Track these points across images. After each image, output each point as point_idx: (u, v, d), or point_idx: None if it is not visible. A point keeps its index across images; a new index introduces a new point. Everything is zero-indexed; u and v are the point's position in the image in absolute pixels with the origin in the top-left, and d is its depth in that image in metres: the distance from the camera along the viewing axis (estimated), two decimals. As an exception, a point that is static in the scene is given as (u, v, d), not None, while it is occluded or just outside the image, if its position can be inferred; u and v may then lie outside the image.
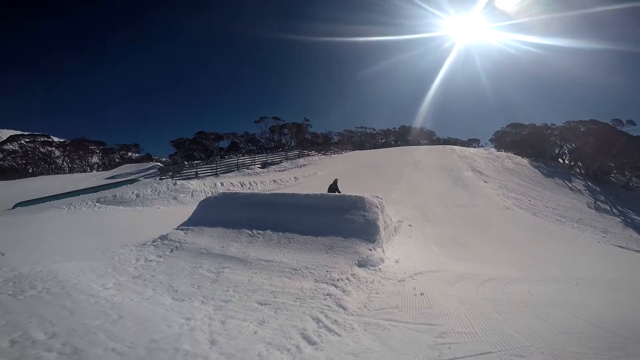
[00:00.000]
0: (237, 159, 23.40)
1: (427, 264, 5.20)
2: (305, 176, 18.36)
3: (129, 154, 40.21)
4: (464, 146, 35.09)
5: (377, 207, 5.76)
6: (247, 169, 21.45)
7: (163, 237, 6.14)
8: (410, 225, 8.08)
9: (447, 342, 2.76)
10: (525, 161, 23.10)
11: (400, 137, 47.32)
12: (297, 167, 22.24)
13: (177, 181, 15.38)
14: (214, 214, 6.66)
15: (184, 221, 6.79)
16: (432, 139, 47.80)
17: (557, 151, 29.77)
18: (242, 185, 15.91)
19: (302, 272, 4.53)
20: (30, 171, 33.46)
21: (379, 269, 4.69)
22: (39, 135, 36.87)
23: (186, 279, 4.42)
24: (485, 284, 4.28)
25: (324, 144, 35.31)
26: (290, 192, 9.04)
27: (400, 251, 5.83)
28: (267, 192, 7.18)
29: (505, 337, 2.78)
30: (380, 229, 5.41)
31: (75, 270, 4.52)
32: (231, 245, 5.54)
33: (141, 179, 18.59)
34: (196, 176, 19.05)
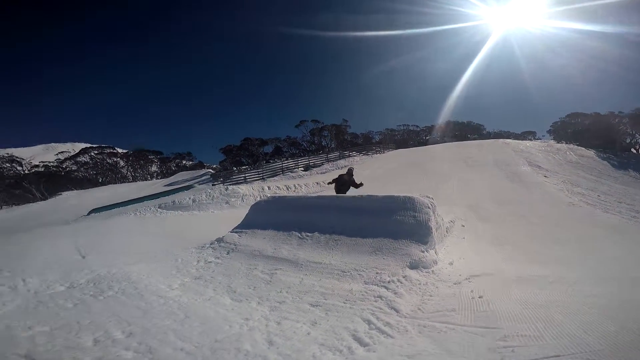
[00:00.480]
0: (282, 163, 24.11)
1: (484, 266, 4.90)
2: (348, 177, 18.28)
3: (184, 162, 43.35)
4: (518, 139, 32.54)
5: (429, 208, 5.55)
6: (291, 172, 22.00)
7: (219, 240, 6.49)
8: (463, 226, 7.67)
9: (510, 345, 2.59)
10: (591, 153, 20.82)
11: (446, 133, 45.24)
12: (339, 168, 22.24)
13: (228, 186, 16.27)
14: (265, 217, 6.90)
15: (238, 224, 7.10)
16: (482, 133, 45.08)
17: (628, 140, 26.60)
18: (287, 189, 16.37)
19: (351, 274, 4.52)
20: (100, 181, 37.48)
21: (432, 271, 4.52)
22: (105, 147, 41.36)
23: (243, 280, 4.63)
24: (551, 285, 3.93)
25: (365, 144, 34.94)
26: (333, 192, 9.06)
27: (454, 253, 5.56)
28: (314, 195, 7.29)
29: (575, 340, 2.54)
30: (433, 229, 5.21)
31: (145, 272, 4.95)
32: (282, 248, 5.69)
33: (196, 185, 19.96)
34: (245, 181, 19.94)
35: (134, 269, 5.10)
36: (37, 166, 37.03)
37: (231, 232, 6.80)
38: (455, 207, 9.43)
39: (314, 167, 23.12)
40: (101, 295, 4.06)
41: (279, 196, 8.66)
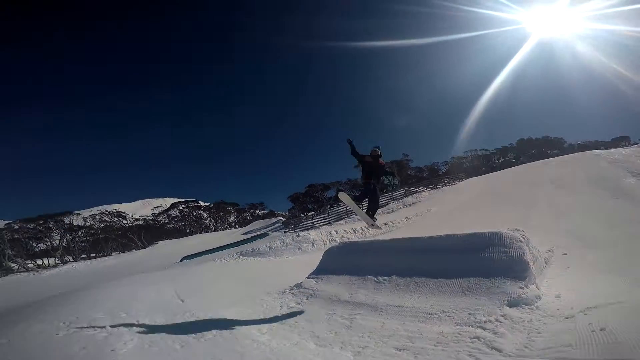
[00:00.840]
0: (346, 207, 24.27)
1: (601, 296, 4.17)
2: (418, 214, 17.62)
3: (257, 211, 46.60)
4: (609, 148, 28.11)
5: (521, 241, 5.06)
6: (356, 215, 21.98)
7: (298, 285, 6.73)
8: (565, 254, 6.69)
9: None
10: None
11: (522, 152, 41.40)
12: (406, 206, 21.63)
13: (299, 233, 16.99)
14: (338, 262, 7.04)
15: (313, 270, 7.32)
16: (563, 147, 40.22)
17: None
18: (354, 232, 16.35)
19: (439, 315, 4.26)
20: (187, 231, 41.97)
21: (536, 306, 4.03)
22: (191, 201, 46.85)
23: (324, 325, 4.67)
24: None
25: (431, 177, 33.59)
26: (404, 232, 8.77)
27: (560, 285, 4.86)
28: (387, 239, 7.19)
29: None
30: (530, 263, 4.70)
31: (236, 316, 5.29)
32: (359, 292, 5.67)
33: (270, 232, 21.27)
34: (313, 226, 20.63)
35: (227, 312, 5.50)
36: (137, 219, 43.61)
37: (308, 277, 7.02)
38: (551, 234, 8.32)
39: (379, 208, 22.86)
40: (202, 337, 4.39)
41: (350, 241, 8.73)
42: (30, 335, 4.56)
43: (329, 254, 7.71)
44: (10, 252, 27.88)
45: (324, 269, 7.14)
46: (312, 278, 6.92)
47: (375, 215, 6.06)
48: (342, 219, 21.90)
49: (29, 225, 33.73)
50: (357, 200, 5.94)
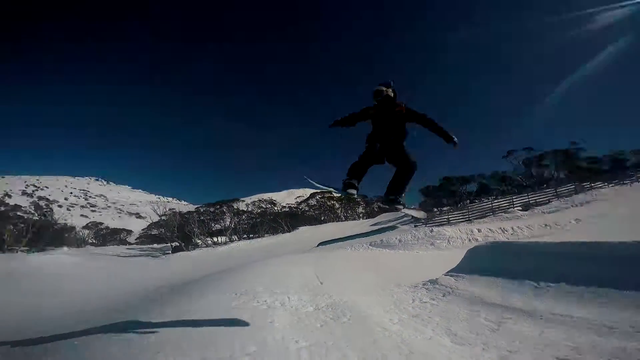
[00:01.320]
0: (491, 203, 21.43)
1: None
2: (594, 216, 13.95)
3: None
4: None
5: None
6: (505, 212, 19.14)
7: (433, 282, 6.36)
8: None
9: None
10: None
11: None
12: (576, 205, 17.40)
13: (433, 228, 16.05)
14: (486, 262, 6.31)
15: (453, 267, 6.81)
16: None
17: None
18: (503, 231, 14.35)
19: (624, 330, 3.36)
20: (322, 219, 46.01)
21: None
22: (326, 191, 51.20)
23: (463, 325, 4.25)
24: None
25: (615, 169, 25.78)
26: (572, 236, 7.03)
27: None
28: (555, 242, 6.02)
29: None
30: None
31: (368, 304, 5.40)
32: (512, 297, 4.95)
33: (398, 225, 20.95)
34: (448, 222, 19.13)
35: (360, 299, 5.69)
36: (284, 207, 50.65)
37: (445, 274, 6.56)
38: None
39: (536, 206, 19.11)
40: (338, 319, 4.66)
41: (503, 241, 7.66)
42: (209, 304, 5.60)
43: (475, 252, 7.05)
44: (197, 230, 36.71)
45: (466, 268, 6.56)
46: (451, 276, 6.44)
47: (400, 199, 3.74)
48: (487, 216, 19.43)
49: (210, 209, 43.79)
50: (354, 173, 3.61)
